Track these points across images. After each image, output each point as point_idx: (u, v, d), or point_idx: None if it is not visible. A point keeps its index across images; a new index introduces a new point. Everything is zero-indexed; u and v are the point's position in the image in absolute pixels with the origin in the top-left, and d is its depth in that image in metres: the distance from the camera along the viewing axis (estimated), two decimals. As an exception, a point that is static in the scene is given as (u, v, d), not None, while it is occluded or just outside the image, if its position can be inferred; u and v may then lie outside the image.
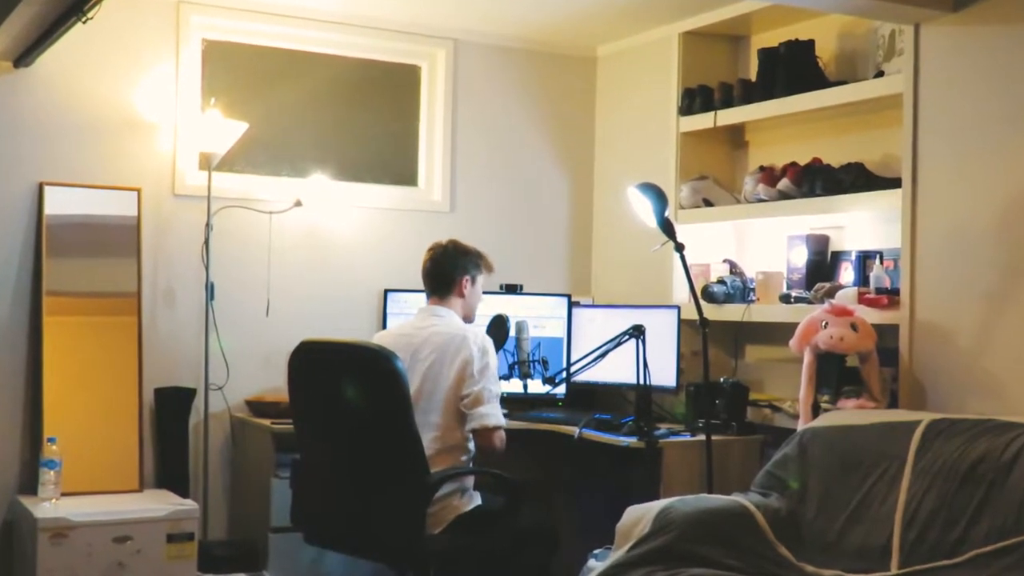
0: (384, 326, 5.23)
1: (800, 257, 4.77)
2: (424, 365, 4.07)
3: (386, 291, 5.33)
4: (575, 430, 4.67)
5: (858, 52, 4.75)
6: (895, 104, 4.27)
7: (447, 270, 4.26)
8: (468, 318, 4.32)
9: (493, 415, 4.03)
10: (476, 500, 4.06)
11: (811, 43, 4.78)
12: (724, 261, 5.12)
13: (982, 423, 3.64)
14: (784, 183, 4.69)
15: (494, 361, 4.10)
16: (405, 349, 4.09)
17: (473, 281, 4.30)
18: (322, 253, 5.39)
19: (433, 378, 4.05)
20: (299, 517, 4.18)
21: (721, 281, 4.95)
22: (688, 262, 4.48)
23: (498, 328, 4.35)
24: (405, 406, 3.78)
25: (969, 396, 3.98)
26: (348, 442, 3.94)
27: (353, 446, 3.94)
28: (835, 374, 4.23)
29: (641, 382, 4.40)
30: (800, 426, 4.16)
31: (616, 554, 3.67)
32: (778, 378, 4.95)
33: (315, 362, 4.02)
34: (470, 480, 4.08)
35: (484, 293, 4.42)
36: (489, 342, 4.12)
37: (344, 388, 3.86)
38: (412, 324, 4.30)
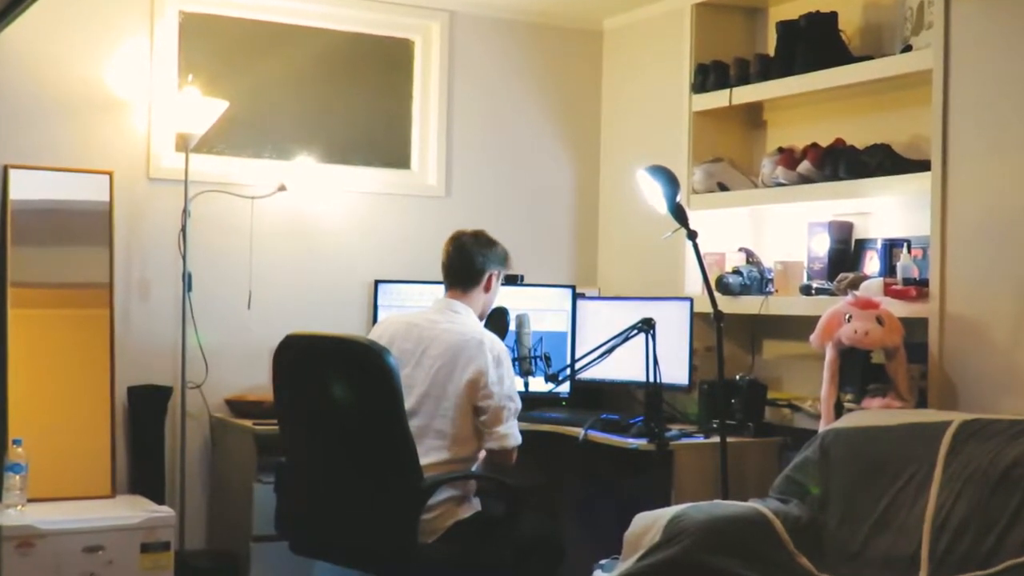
0: (375, 319, 5.23)
1: (822, 245, 4.76)
2: (433, 367, 4.05)
3: (377, 282, 5.32)
4: (580, 431, 4.66)
5: (884, 25, 4.75)
6: (924, 81, 4.26)
7: (475, 261, 4.25)
8: (483, 316, 4.32)
9: (513, 435, 4.07)
10: (475, 507, 4.06)
11: (834, 15, 4.77)
12: (740, 250, 5.12)
13: (1018, 424, 3.63)
14: (805, 166, 4.68)
15: (510, 372, 4.10)
16: (415, 342, 4.11)
17: (499, 276, 4.31)
18: (308, 241, 5.39)
19: (442, 383, 4.03)
20: (284, 524, 4.18)
21: (737, 271, 4.95)
22: (701, 251, 4.48)
23: (497, 322, 4.35)
24: (397, 405, 3.77)
25: (1004, 395, 3.97)
26: (336, 444, 3.94)
27: (342, 448, 3.93)
28: (859, 371, 4.23)
29: (651, 380, 4.39)
30: (822, 427, 4.16)
31: (624, 564, 3.67)
32: (798, 375, 4.95)
33: (301, 358, 4.02)
34: (471, 486, 4.08)
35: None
36: (505, 351, 4.12)
37: (332, 385, 3.86)
38: (425, 315, 4.26)
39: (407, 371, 3.96)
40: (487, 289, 4.27)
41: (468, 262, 4.25)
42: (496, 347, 4.09)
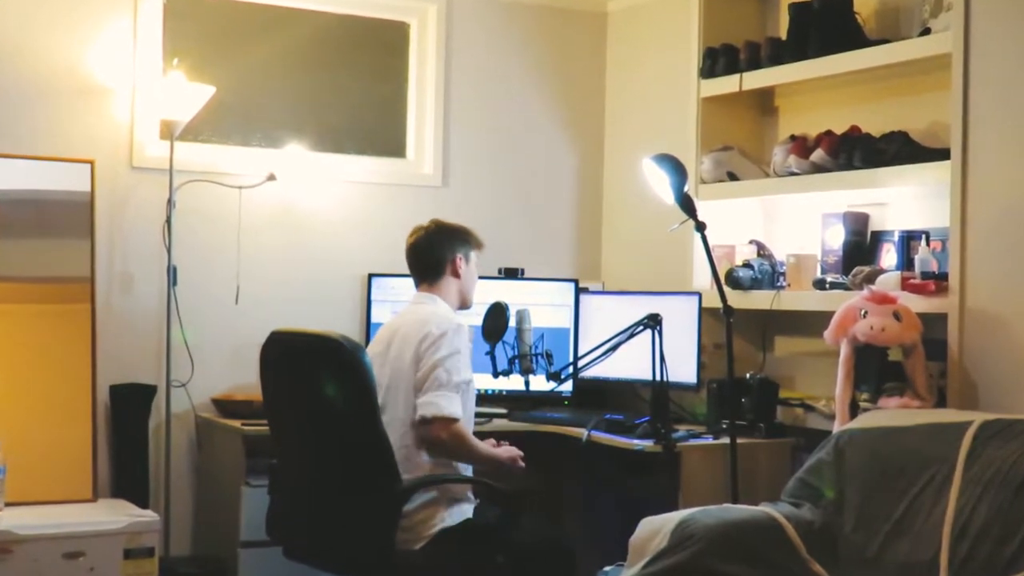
0: (368, 314, 5.28)
1: (836, 237, 4.76)
2: (392, 357, 4.10)
3: (370, 276, 5.32)
4: (583, 432, 4.66)
5: (902, 7, 4.74)
6: (943, 65, 4.25)
7: (434, 252, 4.28)
8: (465, 303, 4.34)
9: (435, 403, 3.96)
10: (466, 512, 4.06)
11: (849, -4, 4.77)
12: (751, 242, 5.11)
13: (1041, 424, 3.63)
14: (818, 154, 4.68)
15: (453, 343, 4.05)
16: (385, 342, 4.18)
17: (467, 259, 4.31)
18: (298, 233, 5.38)
19: (398, 372, 4.07)
20: (275, 529, 4.18)
21: (747, 265, 4.94)
22: (710, 243, 4.47)
23: (496, 317, 4.33)
24: (369, 404, 3.80)
25: (1027, 394, 3.97)
26: (314, 444, 3.98)
27: (319, 448, 3.96)
28: (875, 369, 4.22)
29: (657, 378, 4.38)
30: (836, 428, 4.16)
31: (630, 571, 3.67)
32: (811, 374, 4.95)
33: (283, 355, 4.06)
34: (460, 488, 4.09)
35: (480, 278, 4.43)
36: (456, 327, 4.09)
37: (309, 383, 3.89)
38: (400, 313, 4.36)
39: (376, 371, 3.97)
40: (456, 275, 4.28)
41: (426, 254, 4.29)
42: (443, 323, 4.08)
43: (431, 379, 3.99)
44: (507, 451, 4.24)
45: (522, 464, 4.23)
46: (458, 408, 4.01)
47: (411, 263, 4.33)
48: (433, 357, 4.01)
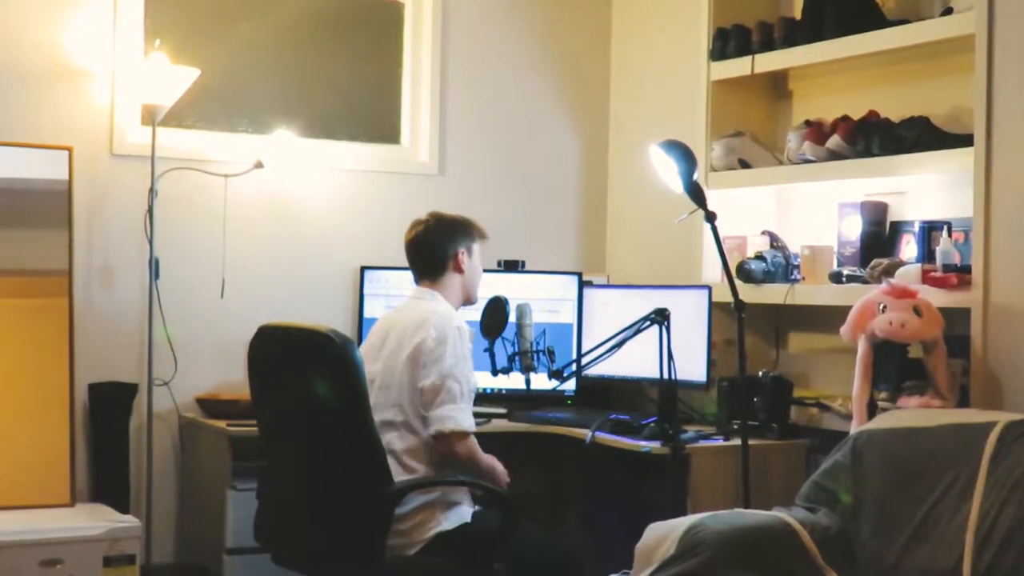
0: (361, 309, 5.28)
1: (853, 228, 4.76)
2: (386, 354, 4.13)
3: (363, 268, 5.32)
4: (587, 433, 4.66)
5: (923, -15, 4.74)
6: (966, 47, 4.25)
7: (435, 247, 4.30)
8: (469, 298, 4.36)
9: (452, 418, 4.01)
10: (464, 517, 4.07)
11: (867, -26, 4.76)
12: (763, 233, 5.11)
13: (1069, 425, 3.63)
14: (834, 141, 4.68)
15: (458, 349, 4.08)
16: (380, 336, 4.20)
17: (469, 252, 4.32)
18: (287, 224, 5.38)
19: (391, 371, 4.09)
20: (263, 534, 4.19)
21: (760, 257, 4.94)
22: (721, 234, 4.47)
23: (495, 313, 4.33)
24: (359, 402, 3.80)
25: (1054, 393, 3.97)
26: (302, 444, 3.98)
27: (306, 449, 3.97)
28: (895, 367, 4.22)
29: (665, 376, 4.38)
30: (853, 428, 4.15)
31: (635, 580, 3.68)
32: (827, 372, 4.95)
33: (271, 351, 4.07)
34: (457, 492, 4.09)
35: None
36: (458, 329, 4.11)
37: (297, 380, 3.90)
38: (397, 308, 4.38)
39: (368, 367, 3.98)
40: (459, 270, 4.30)
41: (428, 251, 4.30)
42: (444, 324, 4.09)
43: (444, 391, 4.02)
44: (502, 469, 4.29)
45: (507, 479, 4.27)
46: (472, 420, 4.07)
47: (411, 259, 4.34)
48: (442, 368, 4.03)
